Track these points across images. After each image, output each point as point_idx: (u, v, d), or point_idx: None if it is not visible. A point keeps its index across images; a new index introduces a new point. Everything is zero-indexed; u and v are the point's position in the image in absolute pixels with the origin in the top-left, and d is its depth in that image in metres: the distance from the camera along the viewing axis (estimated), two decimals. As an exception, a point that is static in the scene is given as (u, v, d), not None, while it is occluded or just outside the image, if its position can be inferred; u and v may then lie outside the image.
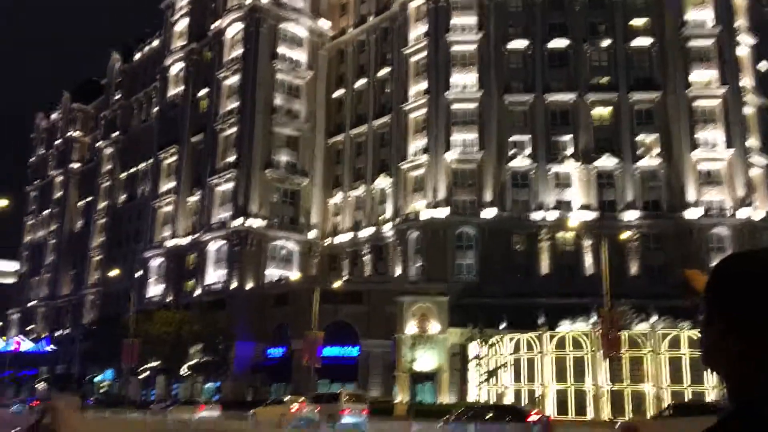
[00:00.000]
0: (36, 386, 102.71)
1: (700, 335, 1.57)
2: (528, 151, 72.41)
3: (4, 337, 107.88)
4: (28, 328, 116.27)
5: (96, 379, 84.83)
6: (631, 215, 69.35)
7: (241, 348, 69.83)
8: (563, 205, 70.71)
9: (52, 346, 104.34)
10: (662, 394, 44.71)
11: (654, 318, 47.59)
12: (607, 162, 71.20)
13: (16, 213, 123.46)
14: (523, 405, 46.23)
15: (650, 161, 70.83)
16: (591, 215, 68.81)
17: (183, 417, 47.07)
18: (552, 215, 69.92)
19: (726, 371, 1.46)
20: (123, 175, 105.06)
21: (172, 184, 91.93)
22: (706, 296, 1.53)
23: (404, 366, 58.03)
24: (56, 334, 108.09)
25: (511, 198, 71.73)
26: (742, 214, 67.60)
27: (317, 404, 39.76)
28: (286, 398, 44.92)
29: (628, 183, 70.64)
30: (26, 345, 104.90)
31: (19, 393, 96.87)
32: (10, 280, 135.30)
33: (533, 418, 31.06)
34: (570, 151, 72.06)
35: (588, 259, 68.13)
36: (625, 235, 62.41)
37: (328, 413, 37.20)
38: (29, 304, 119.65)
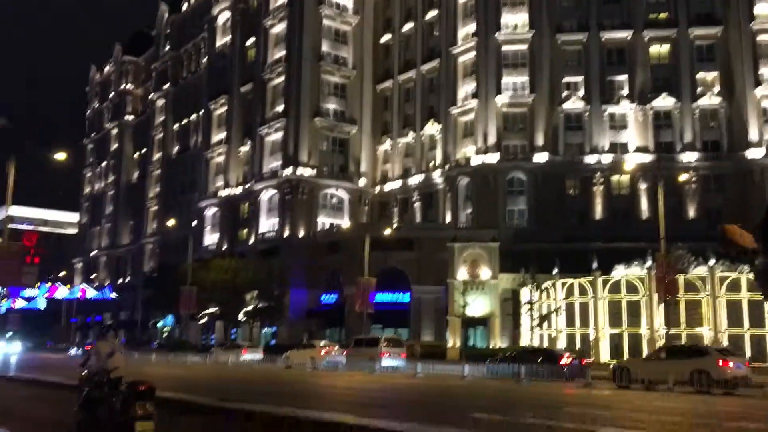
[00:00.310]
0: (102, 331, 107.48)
1: (755, 278, 1.45)
2: (581, 92, 70.45)
3: (69, 285, 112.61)
4: (91, 277, 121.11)
5: (158, 325, 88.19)
6: (689, 156, 67.23)
7: (295, 294, 71.39)
8: (618, 148, 68.95)
9: (114, 294, 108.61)
10: (720, 338, 44.01)
11: (712, 261, 46.46)
12: (664, 102, 68.80)
13: (76, 166, 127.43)
14: (577, 349, 46.21)
15: (710, 100, 68.14)
16: (647, 157, 66.95)
17: (222, 359, 50.82)
18: (606, 158, 68.34)
19: None
20: (175, 126, 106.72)
21: (223, 135, 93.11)
22: (758, 231, 1.41)
23: (456, 311, 58.46)
24: (118, 282, 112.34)
25: (564, 141, 70.22)
26: (808, 153, 64.81)
27: (358, 348, 42.08)
28: (321, 342, 48.78)
29: (687, 123, 68.26)
30: (90, 293, 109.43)
31: (87, 338, 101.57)
32: (73, 231, 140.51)
33: (564, 360, 32.71)
34: (625, 91, 69.81)
35: (644, 203, 66.66)
36: (683, 177, 60.64)
37: (369, 356, 39.20)
38: (91, 254, 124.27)
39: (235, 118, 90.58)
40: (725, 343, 42.16)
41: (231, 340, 71.17)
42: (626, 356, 46.60)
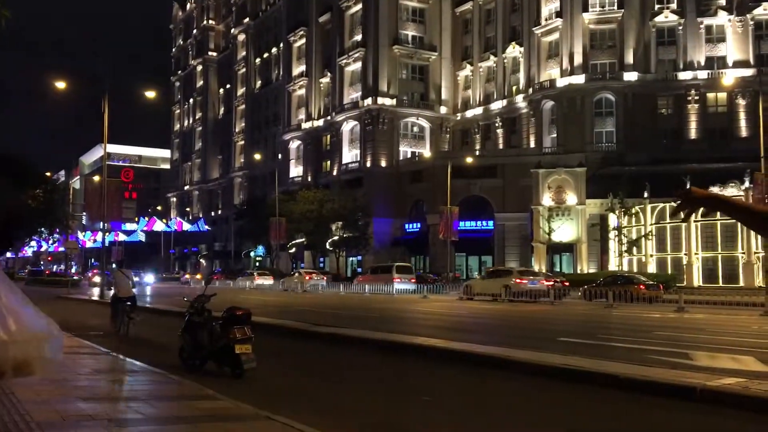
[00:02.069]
0: (200, 261, 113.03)
1: None
2: (674, 4, 66.20)
3: (165, 219, 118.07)
4: (186, 210, 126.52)
5: (251, 254, 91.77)
6: (794, 69, 62.62)
7: (379, 224, 72.38)
8: (715, 62, 64.93)
9: (208, 226, 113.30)
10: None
11: (817, 180, 43.78)
12: (766, 11, 63.82)
13: (165, 103, 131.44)
14: (668, 273, 45.17)
15: (820, 5, 62.71)
16: (747, 72, 62.77)
17: (241, 284, 59.48)
18: (702, 74, 64.58)
19: None
20: (257, 60, 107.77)
21: (303, 67, 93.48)
22: None
23: (541, 238, 57.88)
24: (211, 215, 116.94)
25: (656, 58, 66.65)
26: None
27: (375, 274, 49.20)
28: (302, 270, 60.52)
29: (793, 32, 63.27)
30: (186, 226, 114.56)
31: (185, 268, 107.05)
32: (166, 167, 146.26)
33: (642, 286, 33.91)
34: (722, 1, 65.09)
35: (742, 120, 63.04)
36: (786, 91, 56.70)
37: (385, 281, 45.35)
38: (185, 188, 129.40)
39: (315, 49, 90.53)
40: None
41: (319, 268, 73.29)
42: (720, 281, 45.27)
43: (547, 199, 58.99)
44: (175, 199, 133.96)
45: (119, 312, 16.62)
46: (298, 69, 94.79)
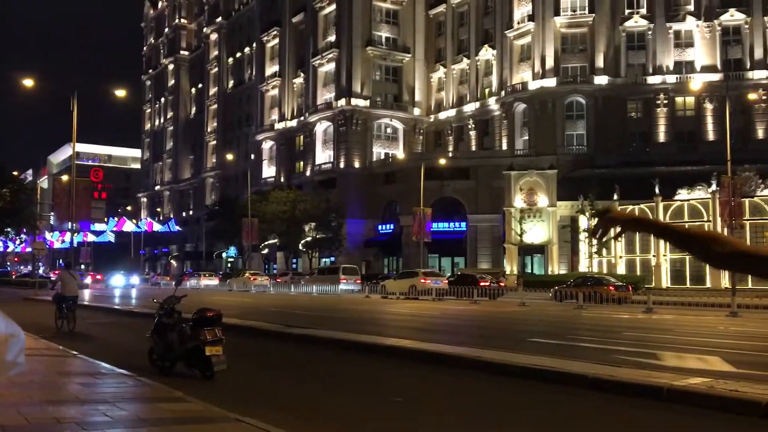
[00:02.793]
0: (170, 262, 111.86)
1: None
2: (644, 9, 67.21)
3: (135, 220, 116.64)
4: (156, 210, 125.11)
5: (223, 255, 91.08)
6: (759, 74, 63.96)
7: (352, 225, 72.35)
8: (684, 67, 66.06)
9: (178, 227, 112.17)
10: None
11: (781, 183, 44.79)
12: (733, 17, 65.13)
13: (136, 102, 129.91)
14: (637, 274, 45.86)
15: (784, 12, 64.13)
16: (714, 76, 63.96)
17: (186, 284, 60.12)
18: (671, 78, 65.66)
19: None
20: (229, 60, 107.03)
21: (276, 68, 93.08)
22: None
23: (513, 239, 58.34)
24: (182, 215, 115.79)
25: (626, 62, 67.60)
26: None
27: (322, 275, 51.95)
28: (249, 271, 61.83)
29: (757, 39, 64.63)
30: (156, 226, 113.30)
31: (155, 269, 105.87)
32: (137, 166, 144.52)
33: (611, 287, 35.25)
34: (691, 7, 66.26)
35: (709, 124, 64.21)
36: (752, 96, 57.95)
37: (331, 282, 47.94)
38: (155, 188, 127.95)
39: (288, 49, 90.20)
40: None
41: (292, 269, 72.95)
42: (688, 282, 46.02)
43: (518, 201, 59.49)
44: (145, 199, 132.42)
45: (61, 309, 18.44)
46: (271, 69, 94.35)
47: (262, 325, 18.84)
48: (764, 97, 62.64)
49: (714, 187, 44.48)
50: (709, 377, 9.27)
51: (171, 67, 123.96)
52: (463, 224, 67.25)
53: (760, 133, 63.21)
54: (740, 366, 10.94)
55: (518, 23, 71.65)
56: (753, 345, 14.53)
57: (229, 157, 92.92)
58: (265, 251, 77.37)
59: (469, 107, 77.84)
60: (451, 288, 39.59)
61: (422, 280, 41.23)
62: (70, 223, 43.53)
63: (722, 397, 8.06)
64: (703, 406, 8.00)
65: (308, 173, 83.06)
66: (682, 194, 48.62)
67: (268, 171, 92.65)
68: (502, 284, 44.01)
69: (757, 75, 63.87)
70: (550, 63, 68.22)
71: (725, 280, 42.47)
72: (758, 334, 15.00)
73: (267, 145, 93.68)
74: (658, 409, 8.17)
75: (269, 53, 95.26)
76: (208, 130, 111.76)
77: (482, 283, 41.08)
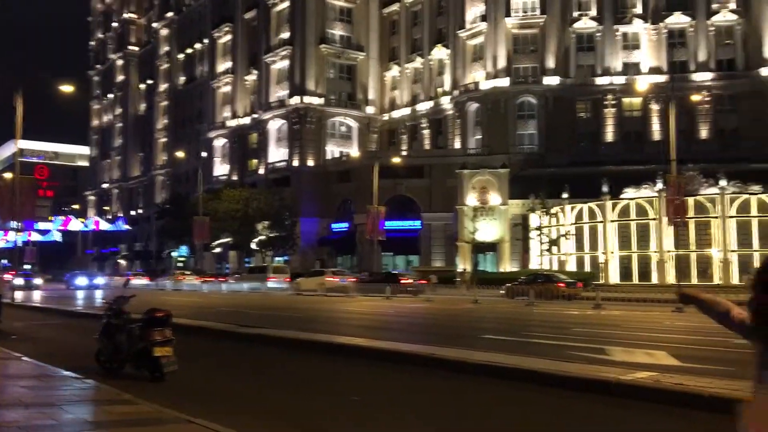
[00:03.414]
0: (118, 261, 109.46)
1: None
2: (593, 11, 68.60)
3: (83, 218, 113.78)
4: (104, 209, 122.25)
5: (173, 254, 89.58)
6: (703, 76, 65.95)
7: (306, 223, 72.00)
8: (631, 68, 67.63)
9: (127, 226, 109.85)
10: (730, 258, 44.32)
11: (723, 182, 46.28)
12: (678, 20, 66.99)
13: (83, 98, 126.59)
14: (586, 271, 46.85)
15: (725, 17, 66.24)
16: (660, 78, 65.67)
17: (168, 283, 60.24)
18: (619, 79, 67.16)
19: None
20: (180, 56, 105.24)
21: (228, 64, 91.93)
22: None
23: (466, 237, 58.89)
24: (131, 214, 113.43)
25: (576, 63, 68.88)
26: (826, 70, 63.36)
27: (252, 273, 55.37)
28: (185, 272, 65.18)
29: (701, 41, 66.62)
30: (104, 225, 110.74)
31: (103, 269, 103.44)
32: (84, 164, 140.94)
33: (562, 284, 36.39)
34: (638, 9, 67.91)
35: (655, 124, 65.91)
36: (696, 97, 59.70)
37: (260, 280, 50.74)
38: (103, 186, 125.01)
39: (240, 46, 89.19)
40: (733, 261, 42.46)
41: (245, 268, 72.21)
42: (635, 279, 47.16)
43: (471, 200, 60.08)
44: (93, 198, 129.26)
45: None
46: (224, 65, 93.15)
47: (213, 324, 18.59)
48: (708, 99, 64.60)
49: (660, 185, 45.66)
50: (655, 371, 9.51)
51: (120, 62, 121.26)
52: (417, 222, 67.58)
53: (704, 134, 65.19)
54: (685, 360, 11.26)
55: (471, 23, 72.32)
56: (697, 340, 14.97)
57: (180, 154, 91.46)
58: (218, 250, 76.38)
59: (423, 106, 78.26)
60: (378, 285, 41.31)
61: (329, 278, 45.98)
62: (13, 222, 42.20)
63: (668, 390, 8.27)
64: (649, 400, 8.20)
65: (261, 171, 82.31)
66: (629, 193, 49.80)
67: (221, 169, 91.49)
68: (423, 282, 45.14)
69: (701, 77, 65.83)
70: (502, 63, 69.05)
71: (671, 276, 43.69)
72: (702, 329, 15.45)
73: (219, 143, 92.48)
74: (606, 403, 8.35)
75: (221, 49, 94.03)
76: (159, 127, 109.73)
77: (403, 281, 43.06)
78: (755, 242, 44.06)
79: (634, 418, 7.84)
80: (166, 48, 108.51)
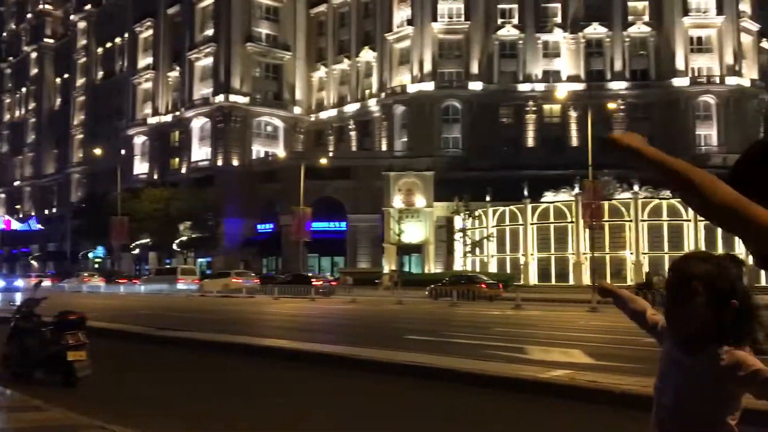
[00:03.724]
0: (30, 262, 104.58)
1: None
2: (516, 19, 70.38)
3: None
4: (16, 207, 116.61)
5: (90, 256, 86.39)
6: (619, 85, 68.70)
7: (230, 224, 70.79)
8: (551, 76, 69.75)
9: (40, 225, 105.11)
10: (642, 260, 46.28)
11: (636, 187, 48.34)
12: (596, 30, 69.58)
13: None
14: (507, 273, 47.95)
15: (640, 29, 69.27)
16: (579, 86, 68.02)
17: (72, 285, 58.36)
18: (539, 87, 69.13)
19: None
20: (99, 50, 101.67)
21: (150, 60, 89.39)
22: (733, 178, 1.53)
23: (391, 239, 59.30)
24: (45, 213, 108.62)
25: (499, 69, 70.49)
26: (731, 81, 67.12)
27: (160, 275, 55.15)
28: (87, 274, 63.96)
29: (617, 52, 69.41)
30: (15, 224, 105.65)
31: (14, 270, 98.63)
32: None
33: (484, 285, 37.34)
34: (558, 19, 70.14)
35: (574, 131, 68.16)
36: (611, 105, 62.12)
37: (168, 282, 50.66)
38: (15, 184, 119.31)
39: (163, 42, 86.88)
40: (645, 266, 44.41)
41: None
42: (553, 280, 48.60)
43: (397, 201, 60.55)
44: (3, 195, 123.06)
45: None
46: (145, 61, 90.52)
47: (130, 327, 18.03)
48: (623, 107, 67.32)
49: (577, 190, 47.28)
50: (570, 369, 9.83)
51: (34, 55, 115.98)
52: (343, 224, 67.54)
53: (619, 141, 67.78)
54: (599, 358, 11.68)
55: (398, 27, 72.92)
56: (611, 338, 15.56)
57: (98, 152, 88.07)
58: (136, 251, 74.15)
59: (350, 108, 78.32)
60: (288, 287, 42.07)
61: (234, 280, 47.02)
62: None
63: (582, 387, 8.57)
64: (565, 397, 8.47)
65: (184, 170, 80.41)
66: (549, 196, 51.36)
67: (141, 167, 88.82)
68: (334, 283, 46.68)
69: (616, 86, 68.55)
70: (428, 67, 69.92)
71: (586, 277, 45.28)
72: (615, 328, 16.09)
73: (139, 140, 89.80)
74: (524, 401, 8.57)
75: (142, 44, 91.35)
76: (75, 123, 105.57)
77: (315, 283, 44.05)
78: (665, 245, 46.21)
79: (550, 415, 8.08)
80: (84, 42, 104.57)
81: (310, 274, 49.09)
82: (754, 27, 70.51)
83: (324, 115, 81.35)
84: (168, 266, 62.85)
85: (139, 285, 54.13)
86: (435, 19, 70.17)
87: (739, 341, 1.75)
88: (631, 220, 47.15)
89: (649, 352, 9.65)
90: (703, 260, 1.82)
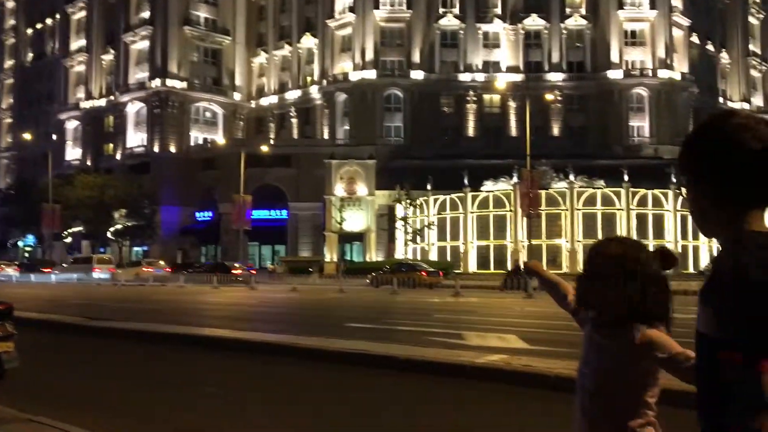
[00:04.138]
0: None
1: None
2: (456, 9, 70.89)
3: None
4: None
5: (19, 244, 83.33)
6: (556, 76, 70.08)
7: (167, 212, 69.32)
8: (491, 67, 70.62)
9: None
10: (576, 248, 47.53)
11: (572, 177, 49.53)
12: (534, 22, 70.74)
13: None
14: (448, 260, 48.50)
15: (577, 21, 70.76)
16: (517, 77, 69.10)
17: None
18: (480, 77, 69.91)
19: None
20: (29, 31, 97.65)
21: (83, 42, 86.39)
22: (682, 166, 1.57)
23: (333, 227, 59.18)
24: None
25: (440, 59, 70.95)
26: (663, 74, 69.34)
27: (76, 264, 54.57)
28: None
29: (555, 43, 70.76)
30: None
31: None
32: None
33: (424, 272, 37.87)
34: (498, 10, 70.97)
35: (513, 121, 69.27)
36: (549, 97, 63.38)
37: (84, 271, 50.69)
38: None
39: (97, 23, 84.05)
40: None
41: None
42: (492, 267, 49.43)
43: (339, 190, 60.41)
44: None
45: None
46: (77, 43, 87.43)
47: (62, 318, 17.49)
48: (560, 98, 68.76)
49: (516, 179, 48.15)
50: (506, 354, 10.04)
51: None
52: (285, 212, 67.01)
53: (556, 131, 69.36)
54: (533, 343, 11.97)
55: (339, 14, 72.47)
56: (545, 323, 15.94)
57: (27, 136, 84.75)
58: (69, 240, 71.87)
59: (291, 95, 77.55)
60: (207, 276, 41.97)
61: (144, 269, 48.75)
62: None
63: (517, 372, 8.76)
64: (501, 381, 8.64)
65: (119, 157, 78.23)
66: (488, 185, 52.13)
67: (73, 153, 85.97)
68: (254, 272, 47.17)
69: (554, 77, 69.93)
70: (370, 55, 69.79)
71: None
72: (549, 314, 16.48)
73: (71, 125, 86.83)
74: (462, 386, 8.71)
75: (75, 26, 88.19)
76: (3, 106, 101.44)
77: (234, 271, 44.82)
78: (599, 233, 47.56)
79: (486, 398, 8.24)
80: (12, 21, 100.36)
81: (236, 264, 49.99)
82: (685, 22, 72.91)
83: (265, 101, 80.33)
84: (84, 255, 62.51)
85: (50, 274, 53.21)
86: (377, 7, 70.03)
87: (651, 320, 1.82)
88: (566, 209, 48.31)
89: (579, 337, 9.93)
90: (619, 243, 1.88)
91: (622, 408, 1.86)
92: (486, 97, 70.27)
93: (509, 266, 48.59)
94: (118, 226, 66.97)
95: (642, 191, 48.54)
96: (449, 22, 70.81)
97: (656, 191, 48.57)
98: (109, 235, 67.73)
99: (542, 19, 70.53)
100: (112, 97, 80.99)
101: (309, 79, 76.55)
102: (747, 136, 1.46)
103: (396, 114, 70.14)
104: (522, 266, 33.27)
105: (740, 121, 1.49)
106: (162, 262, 54.17)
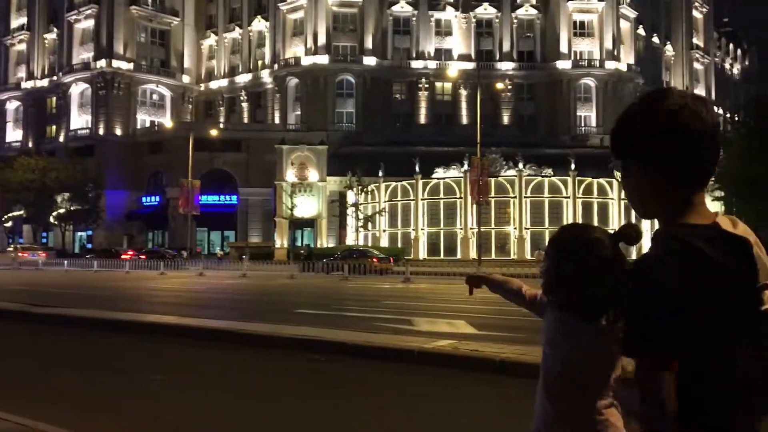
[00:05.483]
0: None
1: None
2: (410, -4, 70.83)
3: None
4: None
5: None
6: (507, 65, 70.81)
7: (112, 196, 67.74)
8: (443, 54, 70.91)
9: None
10: (524, 235, 48.34)
11: (521, 165, 50.27)
12: (486, 11, 71.26)
13: None
14: (398, 247, 48.75)
15: (527, 11, 71.55)
16: (469, 65, 69.54)
17: None
18: (432, 64, 70.14)
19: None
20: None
21: (24, 20, 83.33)
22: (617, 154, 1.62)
23: (284, 213, 58.78)
24: None
25: (393, 45, 70.89)
26: (610, 65, 70.77)
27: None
28: None
29: (506, 33, 71.44)
30: None
31: None
32: None
33: (375, 259, 38.06)
34: (451, -2, 71.24)
35: (464, 109, 69.79)
36: (499, 85, 64.03)
37: (13, 258, 50.14)
38: None
39: (39, 1, 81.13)
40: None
41: (41, 244, 66.63)
42: (442, 254, 49.92)
43: (290, 175, 59.97)
44: None
45: None
46: (18, 21, 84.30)
47: (2, 305, 16.96)
48: (510, 87, 69.55)
49: (466, 166, 48.62)
50: (455, 339, 10.18)
51: None
52: (234, 197, 66.23)
53: (506, 119, 70.19)
54: (481, 328, 12.15)
55: (292, -3, 71.58)
56: (493, 309, 16.19)
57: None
58: (9, 224, 69.62)
59: (242, 78, 76.45)
60: (147, 262, 43.55)
61: (21, 254, 51.46)
62: None
63: (465, 356, 8.90)
64: (449, 366, 8.76)
65: (62, 139, 75.95)
66: (439, 173, 52.50)
67: (14, 135, 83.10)
68: (186, 258, 48.49)
69: (504, 66, 70.65)
70: (322, 40, 69.25)
71: (473, 251, 46.81)
72: (496, 300, 16.76)
73: (12, 106, 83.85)
74: (410, 371, 8.80)
75: (16, 3, 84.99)
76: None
77: (124, 256, 47.79)
78: (546, 221, 48.47)
79: (434, 383, 8.35)
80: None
81: (159, 250, 52.64)
82: (632, 14, 74.50)
83: (214, 84, 79.00)
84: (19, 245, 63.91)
85: None
86: (330, -9, 69.43)
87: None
88: (515, 197, 49.05)
89: (526, 322, 10.15)
90: (605, 242, 1.89)
91: (591, 389, 1.89)
92: (438, 84, 70.59)
93: (459, 254, 49.18)
94: (61, 210, 65.19)
95: (588, 180, 49.61)
96: (402, 8, 70.73)
97: (602, 180, 49.71)
98: (51, 219, 65.88)
99: (494, 8, 71.08)
100: (55, 78, 78.48)
101: (260, 62, 75.56)
102: (686, 114, 1.49)
103: (348, 100, 69.88)
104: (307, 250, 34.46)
105: (679, 101, 1.52)
106: (37, 247, 59.27)
